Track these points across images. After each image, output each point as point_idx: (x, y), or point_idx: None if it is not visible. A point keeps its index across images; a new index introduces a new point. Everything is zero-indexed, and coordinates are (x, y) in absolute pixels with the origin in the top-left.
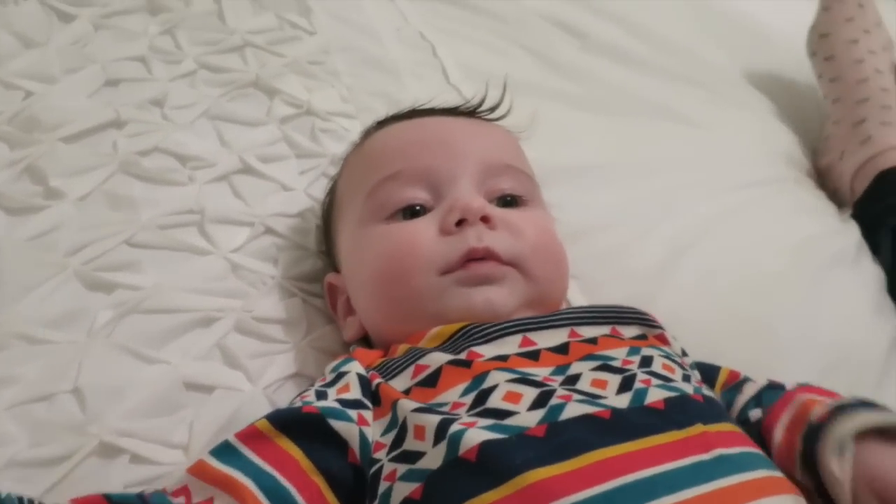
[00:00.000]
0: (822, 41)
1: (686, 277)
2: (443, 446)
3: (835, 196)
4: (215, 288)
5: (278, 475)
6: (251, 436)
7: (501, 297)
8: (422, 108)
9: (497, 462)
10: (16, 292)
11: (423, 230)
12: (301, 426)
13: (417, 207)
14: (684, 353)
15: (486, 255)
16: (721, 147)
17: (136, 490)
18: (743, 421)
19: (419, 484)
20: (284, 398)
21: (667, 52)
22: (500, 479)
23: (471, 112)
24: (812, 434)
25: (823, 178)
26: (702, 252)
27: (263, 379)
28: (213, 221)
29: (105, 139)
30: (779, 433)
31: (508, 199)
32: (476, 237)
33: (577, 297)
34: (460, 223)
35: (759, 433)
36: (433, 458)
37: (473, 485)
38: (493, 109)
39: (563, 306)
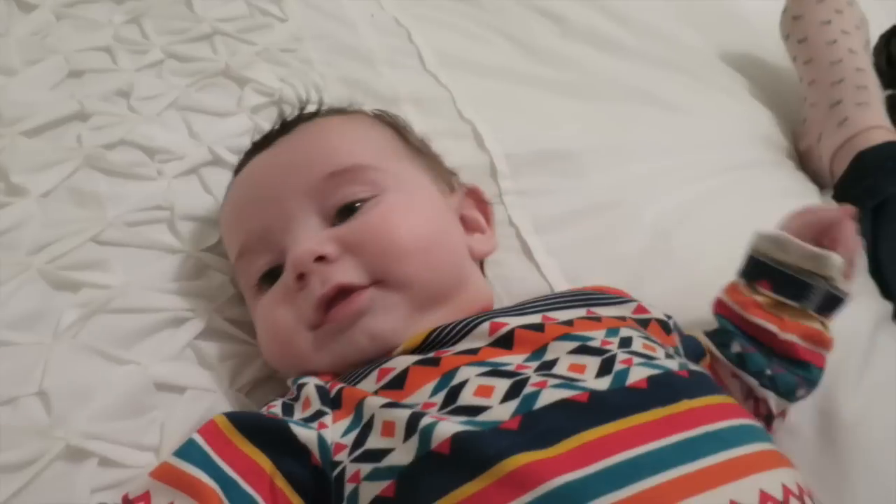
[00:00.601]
0: (794, 23)
1: (670, 262)
2: (414, 440)
3: (816, 178)
4: (186, 287)
5: (242, 482)
6: (215, 436)
7: (381, 322)
8: (247, 151)
9: (471, 453)
10: None
11: (275, 300)
12: (264, 431)
13: (276, 270)
14: (668, 317)
15: (340, 290)
16: (702, 131)
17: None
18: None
19: (389, 482)
20: (258, 400)
21: (646, 36)
22: (479, 469)
23: (285, 126)
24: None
25: (804, 161)
26: (686, 237)
27: (237, 381)
28: (183, 218)
29: (69, 132)
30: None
31: (357, 205)
32: (320, 283)
33: (561, 283)
34: (301, 277)
35: (724, 338)
36: (403, 454)
37: (451, 478)
38: (302, 109)
39: (477, 287)
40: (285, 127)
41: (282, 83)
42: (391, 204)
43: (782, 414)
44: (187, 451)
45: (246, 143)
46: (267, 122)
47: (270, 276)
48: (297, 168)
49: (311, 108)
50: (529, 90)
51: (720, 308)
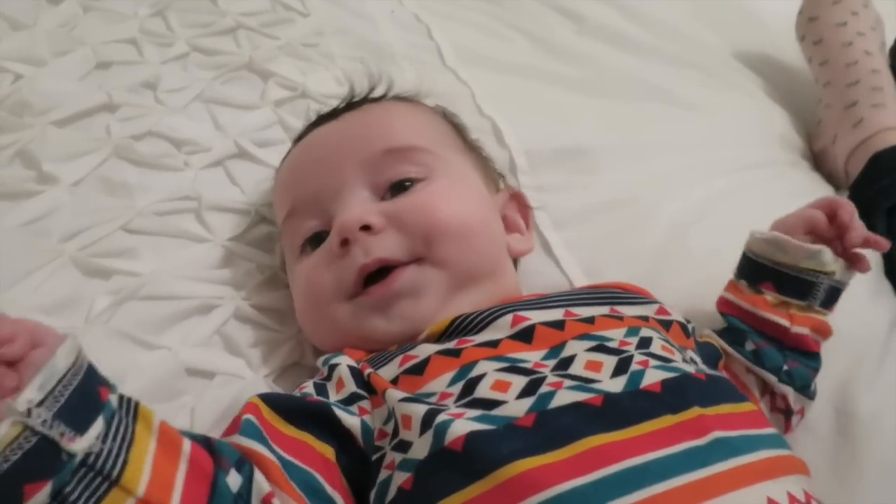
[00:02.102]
0: (810, 25)
1: (687, 259)
2: (429, 436)
3: (830, 179)
4: (214, 276)
5: (297, 461)
6: (262, 419)
7: (418, 308)
8: (311, 122)
9: (483, 453)
10: (10, 278)
11: (317, 263)
12: (305, 413)
13: (323, 234)
14: (688, 321)
15: (381, 265)
16: (717, 130)
17: None
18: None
19: (409, 474)
20: (285, 386)
21: (663, 34)
22: (485, 472)
23: (351, 104)
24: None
25: (819, 162)
26: (701, 234)
27: (264, 367)
28: (210, 208)
29: (97, 123)
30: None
31: (407, 183)
32: (363, 252)
33: (580, 278)
34: (345, 243)
35: (737, 336)
36: (420, 449)
37: (458, 477)
38: (371, 91)
39: (510, 279)
40: (353, 104)
41: (304, 76)
42: (440, 187)
43: (801, 412)
44: (246, 428)
45: (270, 136)
46: (290, 116)
47: (315, 240)
48: (357, 140)
49: (379, 92)
50: (547, 87)
51: (727, 307)
